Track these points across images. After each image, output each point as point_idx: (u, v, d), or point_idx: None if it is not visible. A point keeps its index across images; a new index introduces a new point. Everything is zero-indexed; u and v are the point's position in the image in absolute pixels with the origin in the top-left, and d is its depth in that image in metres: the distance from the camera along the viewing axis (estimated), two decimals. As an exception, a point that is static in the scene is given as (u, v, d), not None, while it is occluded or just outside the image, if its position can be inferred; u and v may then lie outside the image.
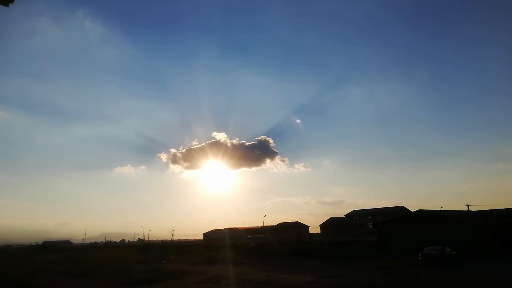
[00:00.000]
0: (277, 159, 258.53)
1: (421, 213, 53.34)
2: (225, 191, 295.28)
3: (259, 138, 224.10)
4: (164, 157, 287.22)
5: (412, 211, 64.65)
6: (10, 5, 4.41)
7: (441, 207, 61.55)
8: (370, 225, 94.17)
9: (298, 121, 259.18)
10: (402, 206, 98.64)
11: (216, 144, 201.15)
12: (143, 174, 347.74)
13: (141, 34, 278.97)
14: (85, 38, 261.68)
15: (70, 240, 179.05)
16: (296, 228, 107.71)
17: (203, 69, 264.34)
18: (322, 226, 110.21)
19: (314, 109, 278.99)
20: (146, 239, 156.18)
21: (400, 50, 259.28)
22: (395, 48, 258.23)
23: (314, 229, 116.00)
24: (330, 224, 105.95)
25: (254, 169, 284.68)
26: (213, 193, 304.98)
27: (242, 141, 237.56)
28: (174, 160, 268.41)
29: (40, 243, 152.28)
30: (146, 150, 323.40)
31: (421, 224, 49.05)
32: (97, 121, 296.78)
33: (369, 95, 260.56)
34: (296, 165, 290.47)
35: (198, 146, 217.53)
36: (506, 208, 58.79)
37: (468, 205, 61.35)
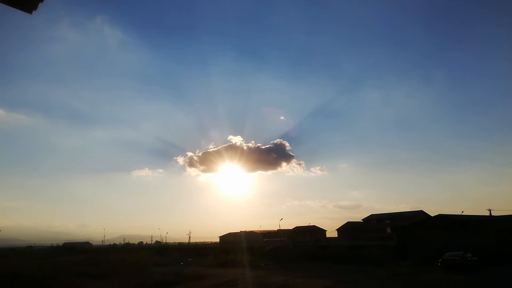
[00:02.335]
0: (293, 162, 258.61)
1: (441, 217, 52.13)
2: (241, 194, 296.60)
3: (275, 141, 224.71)
4: (181, 160, 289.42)
5: (432, 215, 64.00)
6: (34, 12, 4.51)
7: (462, 211, 60.15)
8: (389, 230, 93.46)
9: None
10: (422, 210, 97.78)
11: (232, 148, 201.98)
12: (161, 177, 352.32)
13: (158, 39, 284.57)
14: (104, 44, 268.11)
15: (90, 242, 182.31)
16: (312, 232, 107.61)
17: (219, 73, 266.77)
18: (339, 230, 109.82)
19: (330, 112, 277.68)
20: (164, 241, 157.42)
21: (416, 52, 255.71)
22: (412, 50, 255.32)
23: (331, 233, 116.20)
24: (347, 228, 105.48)
25: (270, 172, 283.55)
26: (229, 196, 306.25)
27: (258, 145, 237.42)
28: (191, 163, 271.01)
29: (60, 244, 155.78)
30: (163, 154, 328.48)
31: (441, 229, 47.99)
32: (115, 124, 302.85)
33: (385, 98, 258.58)
34: (312, 169, 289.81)
35: (214, 149, 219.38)
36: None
37: (490, 210, 59.78)
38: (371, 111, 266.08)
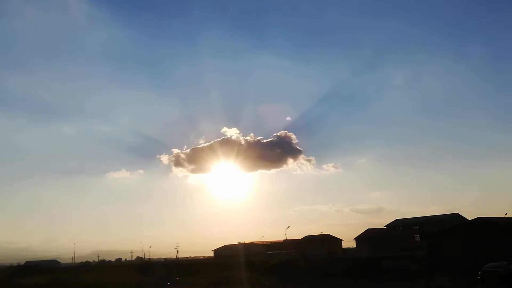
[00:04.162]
0: (301, 158, 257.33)
1: (481, 221, 52.02)
2: (239, 198, 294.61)
3: (278, 134, 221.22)
4: (165, 158, 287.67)
5: (469, 219, 64.64)
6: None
7: (505, 214, 60.13)
8: (417, 237, 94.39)
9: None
10: (457, 213, 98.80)
11: (227, 142, 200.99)
12: (141, 180, 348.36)
13: (134, 10, 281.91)
14: (68, 20, 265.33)
15: (57, 260, 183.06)
16: (326, 242, 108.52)
17: (210, 52, 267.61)
18: (357, 239, 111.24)
19: (345, 96, 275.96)
20: (146, 257, 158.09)
21: (449, 23, 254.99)
22: (442, 20, 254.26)
23: (348, 242, 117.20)
24: (368, 237, 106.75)
25: (273, 171, 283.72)
26: (225, 201, 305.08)
27: (258, 138, 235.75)
28: (177, 162, 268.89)
29: (22, 263, 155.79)
30: (143, 151, 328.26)
31: (480, 235, 47.85)
32: (84, 117, 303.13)
33: (411, 79, 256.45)
34: (324, 166, 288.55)
35: (205, 144, 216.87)
36: None
37: (539, 211, 59.57)
38: (394, 94, 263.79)
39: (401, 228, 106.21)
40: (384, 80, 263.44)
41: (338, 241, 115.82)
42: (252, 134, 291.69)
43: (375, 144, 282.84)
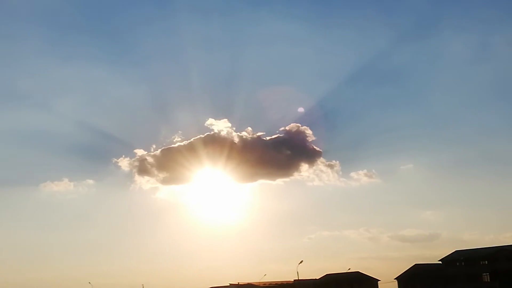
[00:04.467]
0: (320, 163, 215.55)
1: None
2: (231, 220, 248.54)
3: (287, 128, 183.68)
4: (124, 163, 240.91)
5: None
6: None
7: None
8: (487, 277, 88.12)
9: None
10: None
11: (214, 140, 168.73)
12: (90, 194, 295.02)
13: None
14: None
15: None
16: (355, 283, 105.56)
17: (191, 15, 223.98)
18: (401, 279, 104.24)
19: (383, 75, 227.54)
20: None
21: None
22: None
23: (387, 284, 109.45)
24: (415, 275, 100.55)
25: (279, 181, 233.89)
26: (211, 225, 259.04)
27: (259, 134, 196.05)
28: (143, 168, 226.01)
29: None
30: (94, 153, 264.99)
31: None
32: (9, 105, 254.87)
33: (477, 49, 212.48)
34: (353, 173, 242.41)
35: (182, 143, 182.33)
36: None
37: None
38: (453, 72, 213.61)
39: (463, 264, 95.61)
40: (438, 52, 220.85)
41: (373, 281, 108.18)
42: (249, 128, 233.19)
43: (426, 144, 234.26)
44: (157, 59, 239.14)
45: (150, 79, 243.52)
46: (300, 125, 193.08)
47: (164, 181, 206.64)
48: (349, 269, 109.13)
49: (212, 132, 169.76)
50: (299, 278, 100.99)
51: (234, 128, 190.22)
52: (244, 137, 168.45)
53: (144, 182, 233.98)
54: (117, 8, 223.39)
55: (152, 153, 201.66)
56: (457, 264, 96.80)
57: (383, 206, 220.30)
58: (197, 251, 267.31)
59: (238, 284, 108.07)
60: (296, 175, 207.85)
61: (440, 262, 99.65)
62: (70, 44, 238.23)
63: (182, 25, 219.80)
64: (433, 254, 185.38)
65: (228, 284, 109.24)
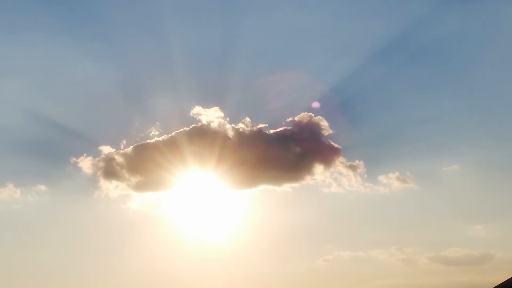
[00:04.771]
0: (340, 163, 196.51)
1: None
2: (226, 237, 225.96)
3: (296, 119, 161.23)
4: (86, 164, 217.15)
5: None
6: None
7: None
8: None
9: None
10: None
11: (202, 134, 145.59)
12: (42, 203, 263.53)
13: None
14: None
15: None
16: None
17: None
18: None
19: (418, 51, 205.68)
20: None
21: None
22: None
23: None
24: None
25: (287, 186, 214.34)
26: (198, 242, 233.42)
27: (259, 126, 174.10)
28: (110, 170, 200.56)
29: None
30: (47, 151, 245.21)
31: None
32: None
33: None
34: (382, 177, 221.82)
35: (160, 138, 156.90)
36: None
37: None
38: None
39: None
40: (494, 19, 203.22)
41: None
42: (247, 119, 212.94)
43: (475, 138, 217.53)
44: (128, 31, 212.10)
45: (119, 57, 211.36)
46: (312, 115, 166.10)
47: (138, 187, 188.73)
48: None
49: (200, 124, 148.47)
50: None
51: (227, 119, 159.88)
52: (240, 130, 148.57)
53: (112, 188, 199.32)
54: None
55: (122, 151, 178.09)
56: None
57: (421, 218, 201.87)
58: (180, 276, 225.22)
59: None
60: (308, 179, 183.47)
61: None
62: (15, 11, 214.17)
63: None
64: (485, 280, 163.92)
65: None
